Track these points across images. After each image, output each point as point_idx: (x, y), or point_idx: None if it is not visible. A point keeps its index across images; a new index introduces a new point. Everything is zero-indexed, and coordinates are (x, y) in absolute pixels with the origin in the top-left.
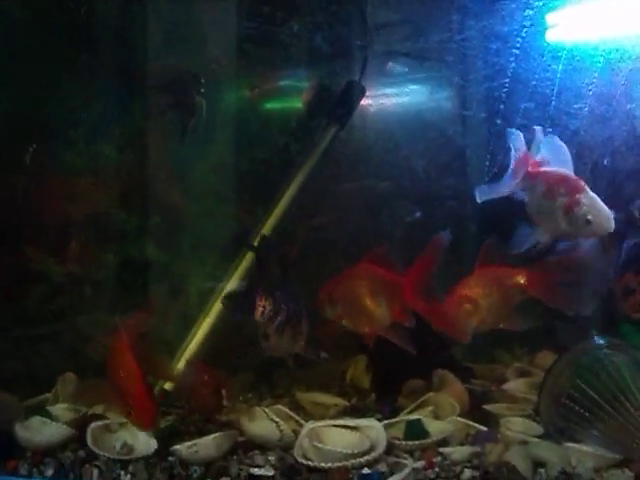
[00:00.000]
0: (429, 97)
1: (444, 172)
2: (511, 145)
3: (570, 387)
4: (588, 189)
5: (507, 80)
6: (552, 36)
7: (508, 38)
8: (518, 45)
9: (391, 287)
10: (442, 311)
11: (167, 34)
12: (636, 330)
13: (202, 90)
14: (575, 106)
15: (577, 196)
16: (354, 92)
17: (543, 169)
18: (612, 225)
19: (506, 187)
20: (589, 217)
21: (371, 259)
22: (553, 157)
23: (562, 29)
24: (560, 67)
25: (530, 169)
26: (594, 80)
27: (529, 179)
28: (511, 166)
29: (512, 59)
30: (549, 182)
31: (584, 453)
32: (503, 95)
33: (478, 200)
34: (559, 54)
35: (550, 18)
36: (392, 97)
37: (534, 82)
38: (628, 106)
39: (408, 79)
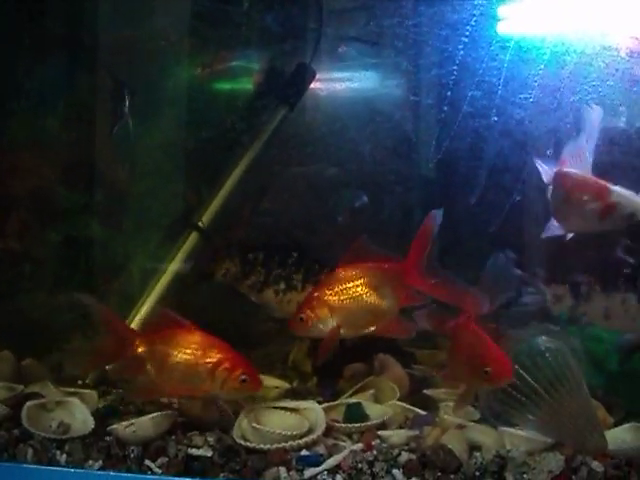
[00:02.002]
0: (380, 82)
1: (391, 157)
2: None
3: None
4: (611, 186)
5: (455, 68)
6: (501, 26)
7: (458, 26)
8: (467, 33)
9: (393, 275)
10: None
11: (116, 7)
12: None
13: (128, 100)
14: (521, 96)
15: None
16: (304, 74)
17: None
18: None
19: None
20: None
21: (353, 255)
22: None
23: (511, 20)
24: (507, 57)
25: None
26: (540, 72)
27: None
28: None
29: (461, 47)
30: (575, 187)
31: (518, 437)
32: (451, 82)
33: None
34: (507, 44)
35: (500, 9)
36: (343, 81)
37: (481, 71)
38: (572, 98)
39: (359, 64)
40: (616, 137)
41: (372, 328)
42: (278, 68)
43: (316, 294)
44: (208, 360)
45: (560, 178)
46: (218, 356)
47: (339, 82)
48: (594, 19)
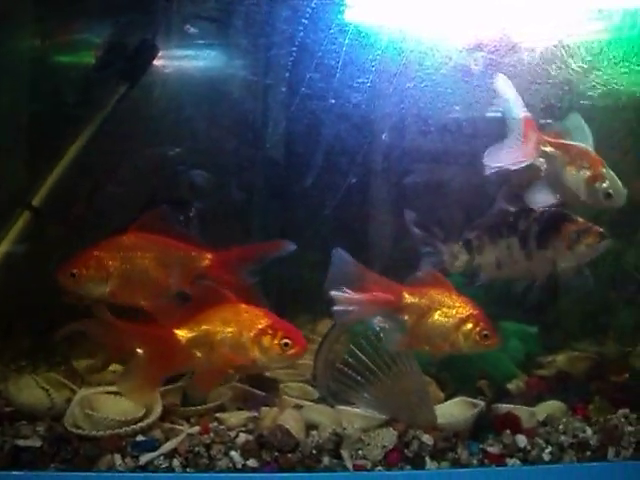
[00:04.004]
0: (224, 62)
1: (231, 137)
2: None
3: (345, 353)
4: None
5: (294, 49)
6: (341, 9)
7: (298, 7)
8: (307, 15)
9: (186, 257)
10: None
11: None
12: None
13: None
14: (358, 80)
15: (601, 170)
16: (147, 51)
17: (564, 141)
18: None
19: (522, 155)
20: (610, 191)
21: (147, 223)
22: (575, 131)
23: (353, 5)
24: (346, 41)
25: (552, 139)
26: (377, 57)
27: (551, 147)
28: (519, 132)
29: (301, 28)
30: (572, 153)
31: (354, 415)
32: (290, 63)
33: (490, 169)
34: (346, 28)
35: None
36: (188, 59)
37: (320, 53)
38: (407, 85)
39: (205, 42)
40: (449, 124)
41: (144, 303)
42: (120, 43)
43: (96, 253)
44: (252, 329)
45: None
46: (262, 323)
47: (184, 60)
48: (432, 10)
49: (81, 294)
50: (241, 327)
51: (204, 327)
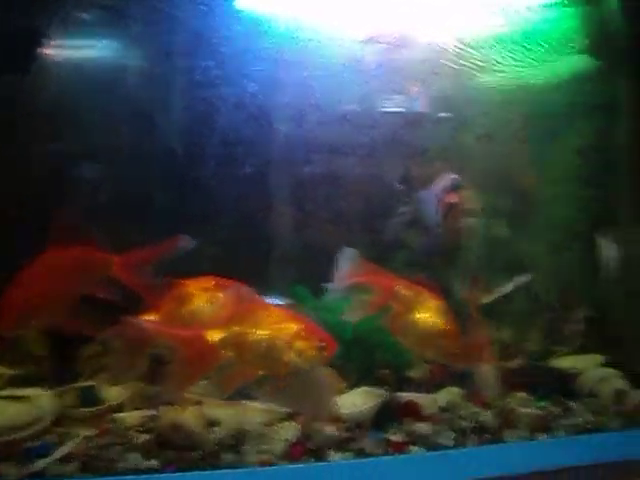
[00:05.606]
0: (118, 50)
1: (125, 128)
2: None
3: None
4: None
5: (188, 36)
6: None
7: None
8: (203, 1)
9: (93, 264)
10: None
11: None
12: (308, 293)
13: None
14: (253, 69)
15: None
16: (32, 40)
17: None
18: None
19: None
20: None
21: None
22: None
23: None
24: (242, 29)
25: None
26: (273, 45)
27: None
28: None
29: (197, 14)
30: None
31: (257, 409)
32: (184, 50)
33: None
34: (242, 15)
35: None
36: (80, 48)
37: (215, 40)
38: (304, 74)
39: (98, 30)
40: (346, 114)
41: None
42: (6, 30)
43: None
44: (285, 333)
45: None
46: (295, 327)
47: (77, 49)
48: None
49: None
50: (274, 330)
51: (236, 329)
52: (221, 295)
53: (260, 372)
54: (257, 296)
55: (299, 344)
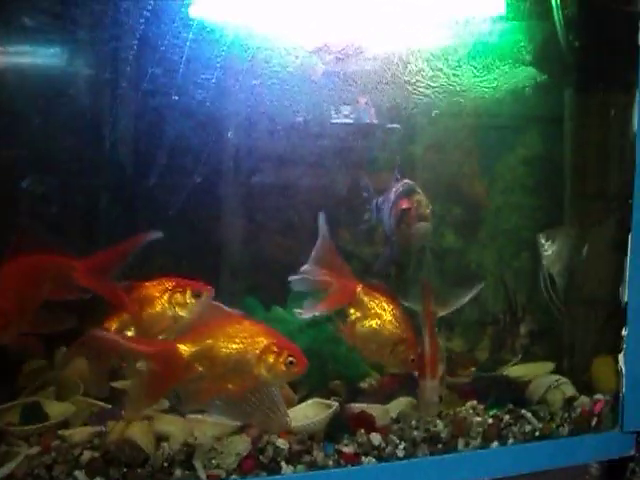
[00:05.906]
0: (63, 57)
1: (65, 133)
2: None
3: None
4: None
5: (135, 42)
6: (185, 3)
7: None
8: (149, 7)
9: (55, 269)
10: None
11: None
12: (258, 304)
13: None
14: (202, 76)
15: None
16: None
17: None
18: None
19: None
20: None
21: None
22: None
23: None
24: (190, 36)
25: None
26: (223, 53)
27: None
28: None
29: (142, 21)
30: None
31: (206, 423)
32: (130, 57)
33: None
34: (190, 22)
35: None
36: (22, 55)
37: (163, 47)
38: (253, 82)
39: (39, 37)
40: (296, 123)
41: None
42: None
43: None
44: (256, 346)
45: None
46: (265, 341)
47: (17, 55)
48: (280, 9)
49: None
50: (245, 344)
51: (208, 342)
52: (193, 301)
53: (229, 386)
54: (227, 308)
55: (270, 358)
